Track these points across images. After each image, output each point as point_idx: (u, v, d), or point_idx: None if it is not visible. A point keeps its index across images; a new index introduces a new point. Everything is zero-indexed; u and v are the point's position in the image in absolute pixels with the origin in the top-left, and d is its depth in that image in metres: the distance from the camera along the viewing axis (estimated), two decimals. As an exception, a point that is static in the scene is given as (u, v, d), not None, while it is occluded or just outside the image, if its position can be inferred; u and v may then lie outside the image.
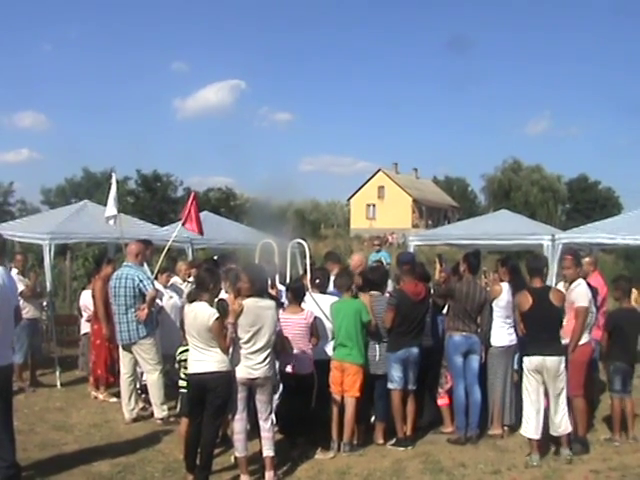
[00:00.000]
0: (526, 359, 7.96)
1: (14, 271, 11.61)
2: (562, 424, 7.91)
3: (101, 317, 10.59)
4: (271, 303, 7.29)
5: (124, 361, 9.62)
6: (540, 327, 7.88)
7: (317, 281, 8.80)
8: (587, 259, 9.92)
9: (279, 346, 7.63)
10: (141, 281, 9.32)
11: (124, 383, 9.61)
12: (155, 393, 9.44)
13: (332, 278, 9.56)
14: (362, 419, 8.50)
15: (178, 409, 8.60)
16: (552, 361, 7.80)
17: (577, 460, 7.93)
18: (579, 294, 8.36)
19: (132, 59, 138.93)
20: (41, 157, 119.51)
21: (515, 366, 9.14)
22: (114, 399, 10.51)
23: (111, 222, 11.94)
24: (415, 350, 8.55)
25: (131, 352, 9.51)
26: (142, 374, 9.92)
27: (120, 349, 9.64)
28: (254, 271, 7.63)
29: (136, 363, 9.63)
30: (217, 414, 7.10)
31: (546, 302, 7.87)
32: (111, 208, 11.85)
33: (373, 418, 8.82)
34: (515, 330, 8.97)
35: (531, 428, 7.88)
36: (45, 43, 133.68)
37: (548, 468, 7.70)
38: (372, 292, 8.74)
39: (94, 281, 11.16)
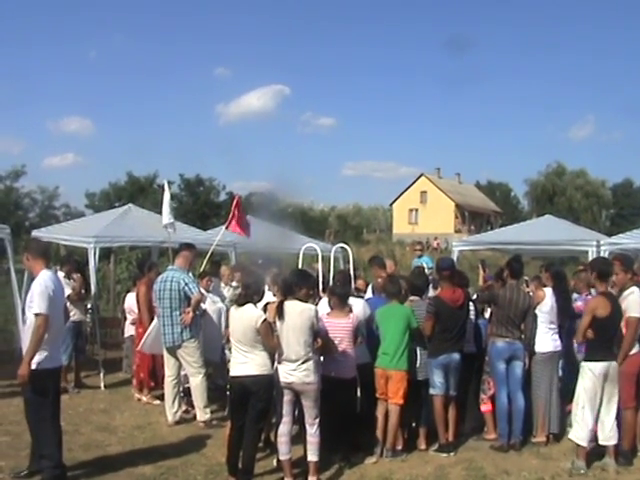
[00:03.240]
0: (592, 365, 7.73)
1: (61, 274, 11.80)
2: (613, 433, 7.81)
3: (145, 322, 10.68)
4: (305, 307, 7.26)
5: (168, 364, 9.67)
6: (611, 333, 7.77)
7: (337, 284, 8.76)
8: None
9: (325, 349, 7.63)
10: (186, 284, 9.38)
11: (168, 386, 9.66)
12: (198, 396, 9.48)
13: (369, 283, 9.57)
14: (405, 424, 8.47)
15: (227, 412, 8.61)
16: (615, 366, 7.75)
17: (623, 470, 7.80)
18: (632, 303, 8.06)
19: (175, 64, 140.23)
20: (86, 161, 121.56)
21: (560, 372, 9.05)
22: (157, 402, 10.60)
23: (170, 230, 12.06)
24: (456, 356, 8.50)
25: (175, 355, 9.56)
26: (185, 377, 9.97)
27: (164, 352, 9.69)
28: (293, 274, 7.73)
29: (180, 366, 9.68)
30: (259, 418, 7.13)
31: (619, 308, 7.80)
32: (167, 216, 11.96)
33: (414, 424, 8.77)
34: (560, 336, 8.89)
35: (585, 434, 7.73)
36: (91, 50, 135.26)
37: (593, 477, 7.61)
38: (412, 298, 8.71)
39: (138, 285, 11.27)
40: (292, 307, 7.16)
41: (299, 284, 7.39)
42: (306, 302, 7.34)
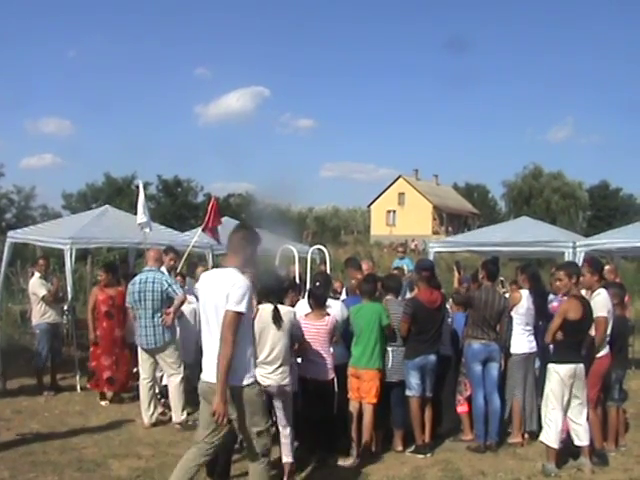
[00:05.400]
0: (560, 367, 7.73)
1: (36, 275, 11.76)
2: (586, 433, 7.85)
3: (89, 320, 10.95)
4: (287, 310, 7.27)
5: (144, 366, 9.61)
6: (581, 336, 7.81)
7: (317, 284, 8.75)
8: (608, 267, 9.82)
9: (302, 350, 7.63)
10: (170, 285, 9.36)
11: (144, 388, 9.60)
12: (176, 398, 9.44)
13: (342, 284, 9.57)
14: (380, 426, 8.47)
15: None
16: (581, 368, 7.77)
17: (598, 470, 7.85)
18: (598, 303, 8.12)
19: (155, 64, 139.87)
20: (64, 162, 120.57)
21: (536, 373, 9.10)
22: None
23: (146, 229, 12.02)
24: (433, 357, 8.53)
25: (153, 357, 9.52)
26: (161, 378, 9.93)
27: (141, 353, 9.65)
28: (264, 276, 7.70)
29: (156, 368, 9.64)
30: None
31: (591, 311, 7.83)
32: (141, 215, 11.92)
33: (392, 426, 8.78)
34: (535, 337, 8.94)
35: (555, 436, 7.75)
36: (69, 50, 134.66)
37: (568, 477, 7.65)
38: (387, 297, 8.74)
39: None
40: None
41: (290, 290, 7.55)
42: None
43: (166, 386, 9.82)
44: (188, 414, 9.50)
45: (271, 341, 7.05)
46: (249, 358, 5.73)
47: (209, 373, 5.64)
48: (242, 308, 5.47)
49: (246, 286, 5.53)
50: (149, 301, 9.39)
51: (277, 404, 7.22)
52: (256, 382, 5.78)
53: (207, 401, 5.66)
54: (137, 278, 9.67)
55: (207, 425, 5.77)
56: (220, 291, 5.55)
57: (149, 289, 9.41)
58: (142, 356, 9.63)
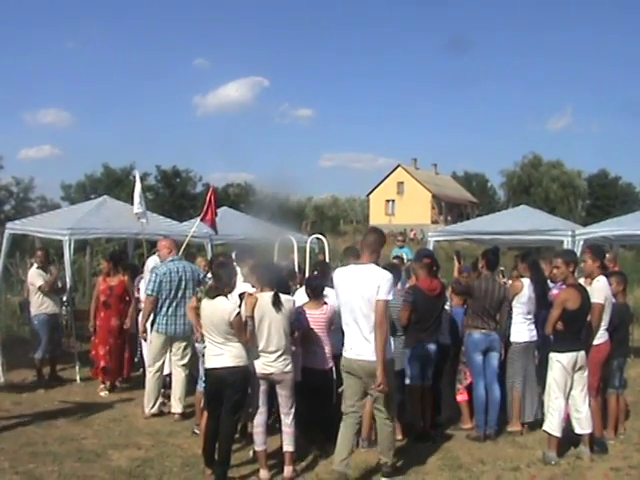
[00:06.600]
0: (562, 356, 7.72)
1: (35, 266, 11.74)
2: (588, 422, 7.84)
3: (92, 309, 11.09)
4: (286, 298, 7.27)
5: (159, 357, 9.57)
6: (580, 324, 7.81)
7: (315, 273, 8.76)
8: (607, 255, 9.80)
9: (303, 339, 7.66)
10: (205, 275, 9.41)
11: (155, 380, 9.58)
12: (181, 388, 9.45)
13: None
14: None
15: (203, 404, 8.59)
16: (583, 356, 7.77)
17: (597, 458, 7.85)
18: (595, 290, 8.08)
19: (154, 55, 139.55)
20: (62, 153, 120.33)
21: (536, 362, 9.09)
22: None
23: (143, 220, 12.00)
24: (432, 346, 8.53)
25: (171, 346, 9.52)
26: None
27: (159, 344, 9.52)
28: (264, 265, 7.74)
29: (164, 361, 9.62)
30: (235, 409, 7.08)
31: (589, 298, 7.82)
32: (137, 205, 11.90)
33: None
34: (536, 326, 8.92)
35: (558, 425, 7.75)
36: (68, 41, 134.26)
37: (568, 465, 7.64)
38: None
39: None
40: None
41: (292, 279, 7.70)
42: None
43: (167, 376, 9.81)
44: (187, 406, 9.49)
45: (270, 329, 7.05)
46: (388, 337, 6.91)
47: (354, 351, 6.83)
48: (391, 297, 6.76)
49: (392, 278, 6.77)
50: (190, 290, 9.34)
51: (280, 392, 7.23)
52: (392, 358, 7.01)
53: (352, 375, 6.91)
54: (171, 267, 9.45)
55: (352, 395, 7.01)
56: (368, 284, 6.67)
57: (189, 278, 9.42)
58: (158, 347, 9.53)
